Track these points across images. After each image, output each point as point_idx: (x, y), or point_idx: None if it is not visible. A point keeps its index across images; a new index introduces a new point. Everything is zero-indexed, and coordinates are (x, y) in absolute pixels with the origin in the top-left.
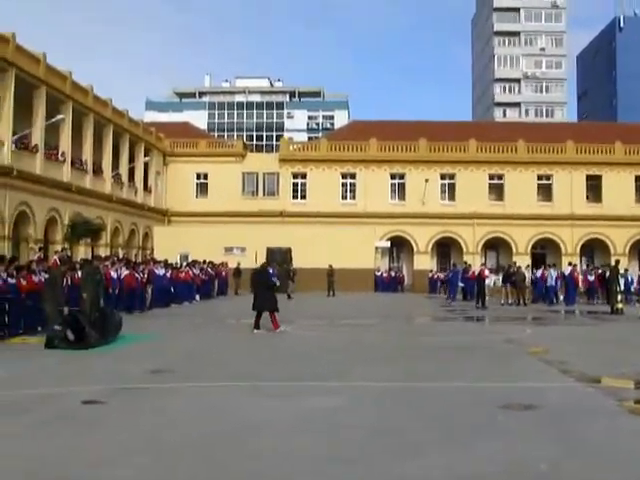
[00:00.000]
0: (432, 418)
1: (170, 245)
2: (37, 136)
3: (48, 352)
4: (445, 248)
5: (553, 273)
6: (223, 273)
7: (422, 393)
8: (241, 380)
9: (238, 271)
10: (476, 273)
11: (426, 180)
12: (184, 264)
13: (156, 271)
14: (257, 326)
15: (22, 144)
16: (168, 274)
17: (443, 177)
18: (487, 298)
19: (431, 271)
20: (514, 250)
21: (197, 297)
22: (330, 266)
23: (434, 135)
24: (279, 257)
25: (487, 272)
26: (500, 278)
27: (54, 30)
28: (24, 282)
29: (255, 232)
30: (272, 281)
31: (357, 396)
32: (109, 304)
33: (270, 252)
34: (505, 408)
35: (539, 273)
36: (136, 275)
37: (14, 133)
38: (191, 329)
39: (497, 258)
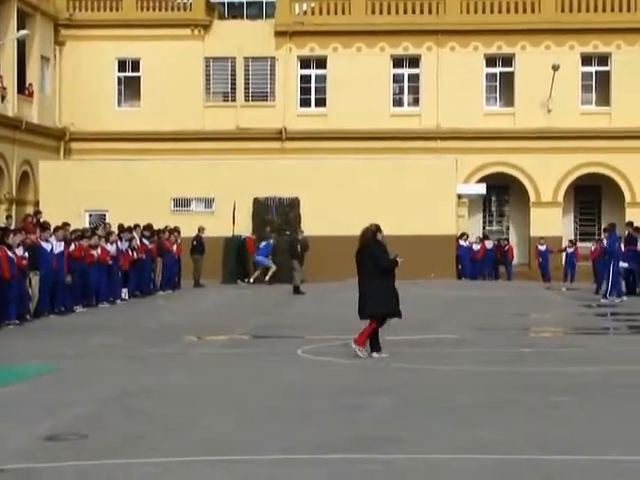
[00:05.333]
0: None
1: (70, 196)
2: None
3: None
4: (591, 196)
5: None
6: (172, 248)
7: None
8: (218, 452)
9: (200, 244)
10: None
11: (554, 67)
12: (99, 232)
13: (44, 245)
14: (378, 345)
15: None
16: (67, 251)
17: (587, 61)
18: None
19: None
20: None
21: (124, 293)
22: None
23: None
24: (277, 217)
25: None
26: None
27: None
28: None
29: (231, 170)
30: (386, 261)
31: None
32: None
33: (260, 207)
34: None
35: None
36: (8, 253)
37: None
38: (115, 356)
39: None
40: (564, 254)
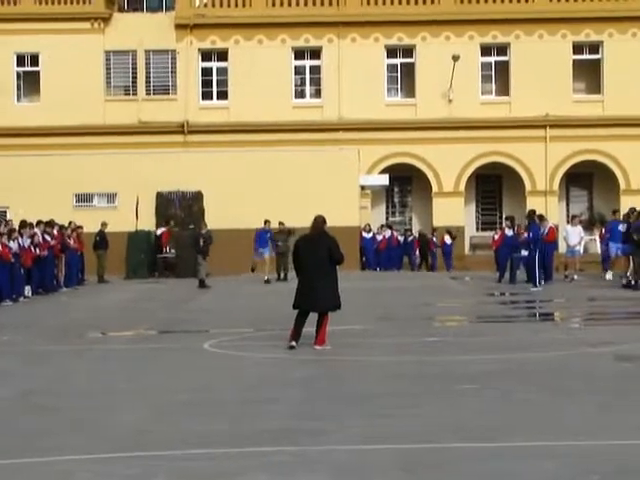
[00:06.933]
0: None
1: None
2: None
3: None
4: (492, 185)
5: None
6: (73, 243)
7: (471, 464)
8: (129, 448)
9: (103, 239)
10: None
11: (454, 58)
12: (0, 229)
13: None
14: (298, 336)
15: None
16: None
17: (486, 51)
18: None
19: (446, 234)
20: (622, 185)
21: (27, 290)
22: (281, 225)
23: None
24: (181, 211)
25: (572, 228)
26: (596, 239)
27: None
28: None
29: (134, 164)
30: (341, 254)
31: (344, 471)
32: None
33: (163, 201)
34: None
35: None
36: None
37: None
38: (19, 353)
39: (590, 201)
40: (443, 244)
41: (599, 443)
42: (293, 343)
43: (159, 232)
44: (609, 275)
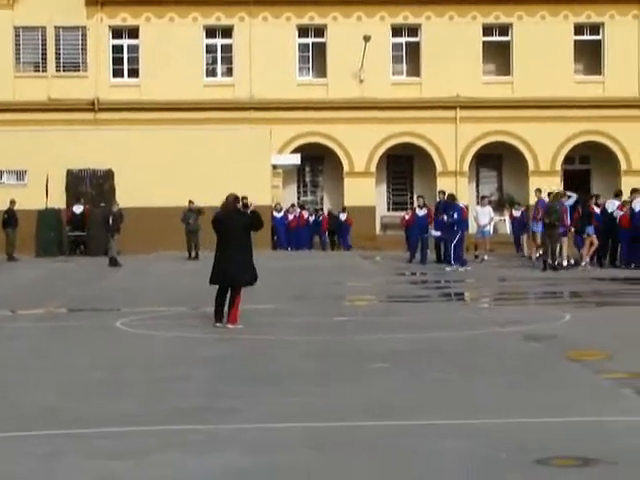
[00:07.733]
0: None
1: None
2: None
3: None
4: (403, 166)
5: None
6: None
7: (378, 444)
8: (41, 426)
9: (12, 217)
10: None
11: (366, 38)
12: None
13: None
14: (221, 315)
15: None
16: None
17: (397, 32)
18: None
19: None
20: (531, 166)
21: None
22: (191, 204)
23: None
24: (91, 189)
25: (482, 209)
26: (506, 219)
27: None
28: None
29: (43, 142)
30: (258, 218)
31: (255, 449)
32: None
33: (73, 179)
34: (549, 465)
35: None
36: None
37: None
38: None
39: (499, 182)
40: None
41: (508, 421)
42: (219, 324)
43: (79, 210)
44: (534, 255)
